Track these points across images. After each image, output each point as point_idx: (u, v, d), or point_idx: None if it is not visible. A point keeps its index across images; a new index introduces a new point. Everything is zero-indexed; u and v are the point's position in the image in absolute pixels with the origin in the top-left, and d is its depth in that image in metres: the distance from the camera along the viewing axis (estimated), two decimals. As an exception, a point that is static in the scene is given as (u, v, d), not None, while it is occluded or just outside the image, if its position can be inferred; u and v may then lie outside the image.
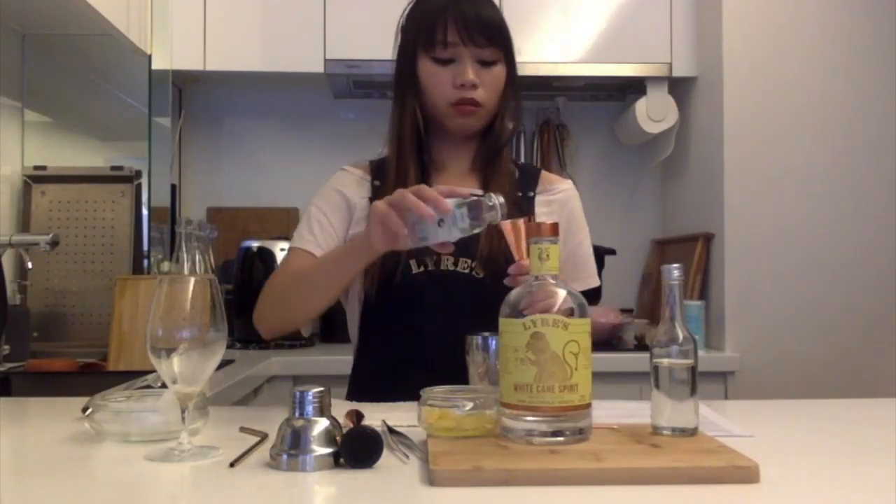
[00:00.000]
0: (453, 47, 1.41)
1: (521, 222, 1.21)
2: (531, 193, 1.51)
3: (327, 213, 1.48)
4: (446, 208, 1.12)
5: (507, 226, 1.23)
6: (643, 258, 3.14)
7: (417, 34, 1.45)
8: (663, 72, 2.81)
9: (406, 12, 1.51)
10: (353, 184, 1.51)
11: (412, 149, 1.47)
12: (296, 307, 1.43)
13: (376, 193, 1.48)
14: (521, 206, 1.47)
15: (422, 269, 1.42)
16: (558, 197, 1.53)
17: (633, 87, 2.99)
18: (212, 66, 2.75)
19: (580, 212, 1.56)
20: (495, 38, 1.43)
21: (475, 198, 1.13)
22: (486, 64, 1.43)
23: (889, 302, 2.57)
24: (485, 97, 1.44)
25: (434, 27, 1.41)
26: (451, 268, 1.41)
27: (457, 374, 1.22)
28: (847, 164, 2.59)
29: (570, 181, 1.60)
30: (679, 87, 2.89)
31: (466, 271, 1.41)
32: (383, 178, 1.48)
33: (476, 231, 1.15)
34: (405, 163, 1.45)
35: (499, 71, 1.45)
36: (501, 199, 1.12)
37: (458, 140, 1.51)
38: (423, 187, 1.15)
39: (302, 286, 1.41)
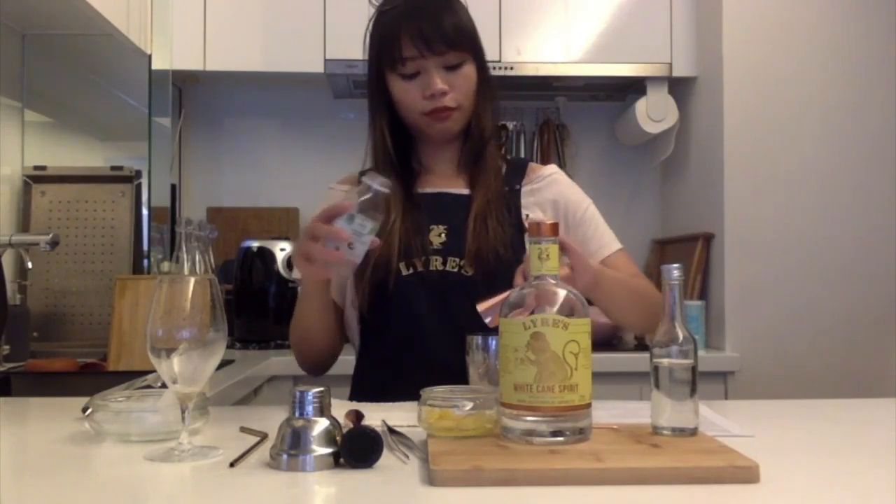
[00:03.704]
0: (414, 61, 1.40)
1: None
2: (517, 186, 1.50)
3: None
4: (343, 236, 1.18)
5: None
6: (643, 258, 3.14)
7: (378, 54, 1.44)
8: (663, 72, 2.81)
9: (368, 33, 1.49)
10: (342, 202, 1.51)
11: (388, 163, 1.47)
12: (312, 352, 1.51)
13: None
14: (508, 200, 1.47)
15: (411, 271, 1.42)
16: (541, 185, 1.52)
17: (633, 87, 2.99)
18: (212, 66, 2.75)
19: (570, 189, 1.54)
20: (455, 42, 1.41)
21: (360, 199, 1.20)
22: (452, 68, 1.42)
23: (889, 302, 2.57)
24: (458, 99, 1.43)
25: (391, 46, 1.40)
26: (441, 268, 1.41)
27: (456, 374, 1.22)
28: (847, 164, 2.59)
29: (553, 166, 1.58)
30: (679, 87, 2.89)
31: (456, 270, 1.41)
32: None
33: (381, 219, 1.21)
34: (387, 173, 1.45)
35: (468, 71, 1.44)
36: (376, 179, 1.20)
37: (442, 143, 1.51)
38: (315, 229, 1.20)
39: (303, 334, 1.48)
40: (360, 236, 1.19)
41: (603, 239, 1.52)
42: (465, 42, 1.43)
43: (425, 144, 1.52)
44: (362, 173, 1.54)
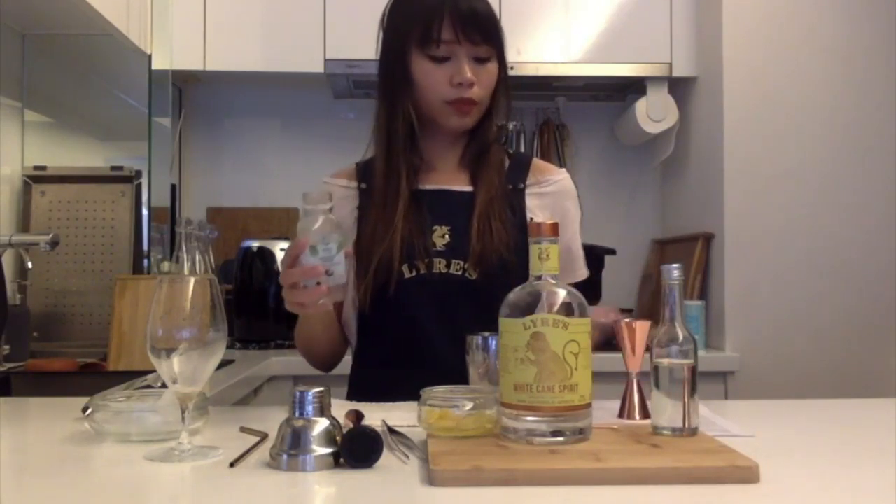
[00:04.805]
0: (449, 45, 1.39)
1: (636, 324, 1.20)
2: (521, 185, 1.48)
3: None
4: (318, 271, 1.17)
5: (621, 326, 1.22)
6: (643, 258, 3.14)
7: (410, 31, 1.41)
8: (663, 72, 2.81)
9: (392, 7, 1.47)
10: (337, 199, 1.43)
11: (404, 149, 1.44)
12: (319, 358, 1.53)
13: (363, 197, 1.47)
14: (512, 199, 1.45)
15: (414, 273, 1.40)
16: (550, 189, 1.50)
17: (633, 87, 2.99)
18: (212, 66, 2.75)
19: (573, 202, 1.52)
20: (490, 36, 1.41)
21: (314, 228, 1.19)
22: (480, 61, 1.42)
23: (889, 302, 2.57)
24: (480, 94, 1.42)
25: (430, 25, 1.39)
26: (444, 270, 1.39)
27: (456, 375, 1.21)
28: (847, 164, 2.59)
29: (563, 171, 1.55)
30: (679, 87, 2.89)
31: (459, 273, 1.39)
32: (371, 181, 1.46)
33: (340, 229, 1.20)
34: (396, 164, 1.43)
35: (492, 68, 1.44)
36: (313, 201, 1.19)
37: (448, 138, 1.48)
38: (289, 277, 1.20)
39: (309, 345, 1.51)
40: (332, 258, 1.18)
41: (579, 262, 1.53)
42: (497, 38, 1.43)
43: (431, 138, 1.47)
44: (358, 164, 1.53)
